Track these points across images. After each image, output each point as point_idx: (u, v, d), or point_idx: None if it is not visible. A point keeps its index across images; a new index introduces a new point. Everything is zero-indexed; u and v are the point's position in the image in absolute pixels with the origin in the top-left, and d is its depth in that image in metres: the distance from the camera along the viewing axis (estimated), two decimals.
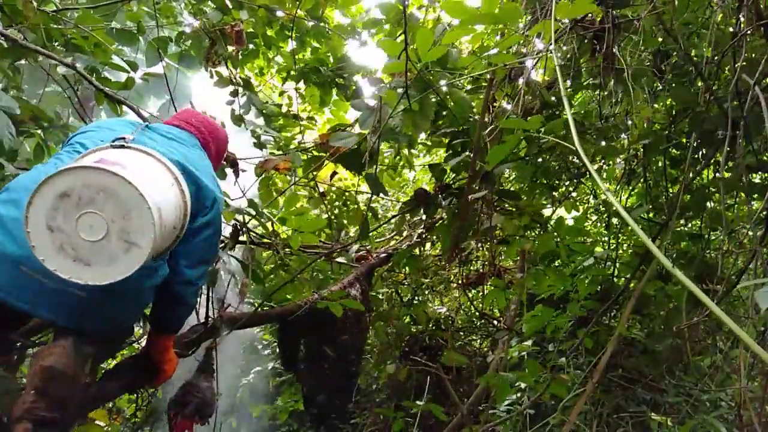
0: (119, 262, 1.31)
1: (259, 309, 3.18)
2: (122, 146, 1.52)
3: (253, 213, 2.61)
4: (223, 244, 2.68)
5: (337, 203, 4.69)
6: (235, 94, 3.78)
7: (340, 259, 3.96)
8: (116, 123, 1.87)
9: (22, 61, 3.22)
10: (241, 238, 2.85)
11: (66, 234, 1.29)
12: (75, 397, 1.54)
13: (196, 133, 2.00)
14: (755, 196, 3.26)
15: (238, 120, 3.58)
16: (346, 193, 4.78)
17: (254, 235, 3.06)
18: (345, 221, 4.63)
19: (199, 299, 2.56)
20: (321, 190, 4.23)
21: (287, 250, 3.11)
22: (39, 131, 3.15)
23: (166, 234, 1.44)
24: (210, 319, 2.55)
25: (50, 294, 1.46)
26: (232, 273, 2.52)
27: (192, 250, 1.76)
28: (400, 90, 2.67)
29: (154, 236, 1.31)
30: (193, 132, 1.99)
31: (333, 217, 4.42)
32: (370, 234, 4.09)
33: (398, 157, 4.66)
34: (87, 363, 1.58)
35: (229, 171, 2.86)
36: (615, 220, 4.14)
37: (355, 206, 4.69)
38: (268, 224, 2.91)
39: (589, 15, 2.66)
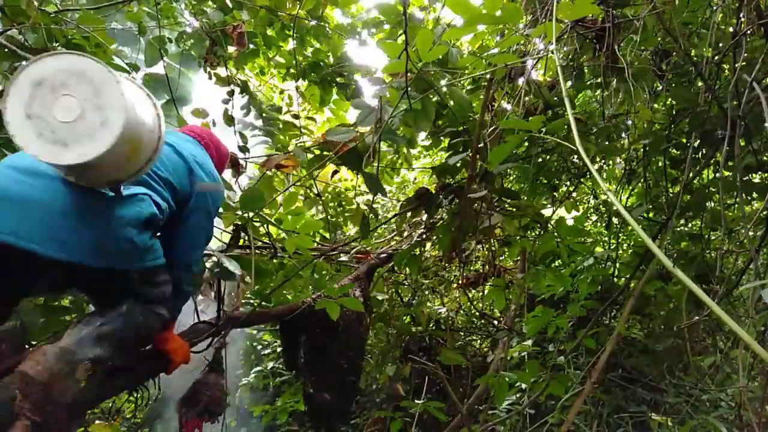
0: (96, 137, 1.39)
1: (257, 308, 3.17)
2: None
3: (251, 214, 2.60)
4: (225, 247, 2.68)
5: (331, 204, 4.69)
6: (231, 94, 3.80)
7: (341, 259, 3.96)
8: None
9: (23, 62, 3.21)
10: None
11: (43, 119, 1.37)
12: (54, 403, 1.52)
13: (199, 139, 2.18)
14: (755, 196, 3.27)
15: (229, 120, 3.62)
16: (342, 194, 4.78)
17: (253, 236, 3.06)
18: (341, 221, 4.64)
19: (198, 297, 2.56)
20: (318, 190, 4.24)
21: (287, 253, 3.11)
22: None
23: (140, 132, 1.51)
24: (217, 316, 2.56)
25: (24, 215, 1.51)
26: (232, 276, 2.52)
27: (186, 232, 1.93)
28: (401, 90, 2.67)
29: (125, 109, 1.39)
30: (196, 138, 2.17)
31: (330, 217, 4.43)
32: (371, 234, 4.09)
33: (397, 156, 4.66)
34: (78, 369, 1.56)
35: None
36: (615, 220, 4.15)
37: (352, 207, 4.70)
38: (266, 226, 2.91)
39: (590, 15, 2.66)
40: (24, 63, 1.38)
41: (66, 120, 1.37)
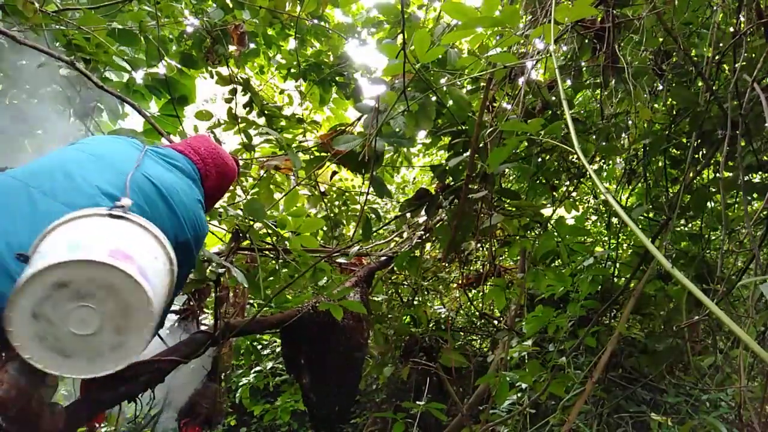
0: (104, 358, 1.23)
1: (259, 314, 3.17)
2: (120, 217, 1.40)
3: (254, 219, 2.60)
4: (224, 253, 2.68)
5: (337, 203, 4.70)
6: (233, 93, 3.79)
7: (340, 260, 3.96)
8: (118, 147, 1.77)
9: (23, 61, 3.22)
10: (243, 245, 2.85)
11: (52, 323, 1.19)
12: (35, 415, 1.50)
13: (199, 163, 1.96)
14: (755, 196, 3.27)
15: (233, 119, 3.61)
16: (346, 193, 4.78)
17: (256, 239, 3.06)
18: (344, 220, 4.64)
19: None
20: (322, 189, 4.24)
21: (290, 257, 3.12)
22: (39, 131, 3.16)
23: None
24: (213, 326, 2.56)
25: None
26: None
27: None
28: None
29: (148, 338, 1.26)
30: (195, 161, 1.95)
31: (332, 215, 4.43)
32: (371, 234, 4.09)
33: (397, 155, 4.66)
34: (47, 376, 1.53)
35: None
36: (615, 220, 4.15)
37: (356, 206, 4.70)
38: (270, 228, 2.91)
39: (590, 15, 2.66)
40: (48, 261, 1.17)
41: (77, 332, 1.20)
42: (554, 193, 3.93)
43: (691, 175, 2.98)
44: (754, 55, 2.66)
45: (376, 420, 4.20)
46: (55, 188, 1.49)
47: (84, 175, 1.56)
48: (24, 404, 1.47)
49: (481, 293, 4.85)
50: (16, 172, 1.55)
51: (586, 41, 3.04)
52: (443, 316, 4.69)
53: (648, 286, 3.21)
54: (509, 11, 1.88)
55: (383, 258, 4.35)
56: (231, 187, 3.60)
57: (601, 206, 4.64)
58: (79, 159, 1.64)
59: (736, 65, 2.47)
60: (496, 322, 4.93)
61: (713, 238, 3.61)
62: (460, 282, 4.34)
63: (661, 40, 2.94)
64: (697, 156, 3.01)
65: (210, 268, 2.51)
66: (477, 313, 5.04)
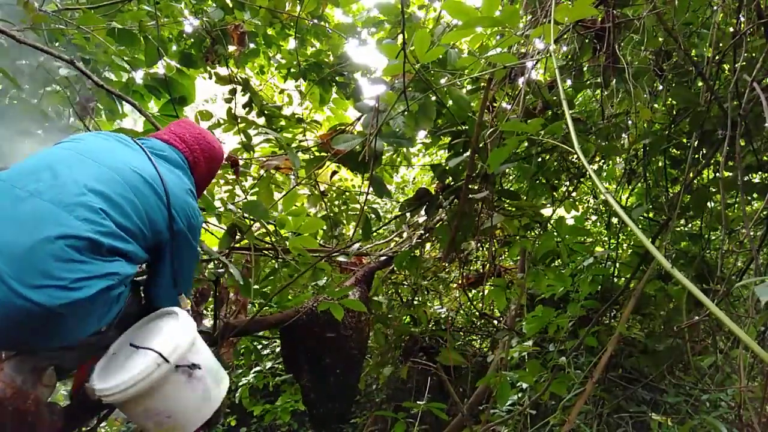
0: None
1: (259, 314, 3.17)
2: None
3: (253, 217, 2.59)
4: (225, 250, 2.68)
5: (336, 202, 4.69)
6: (233, 93, 3.79)
7: (340, 259, 3.96)
8: (106, 144, 1.80)
9: (23, 61, 3.22)
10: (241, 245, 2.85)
11: None
12: (31, 414, 1.50)
13: (186, 152, 1.96)
14: (755, 196, 3.27)
15: (233, 119, 3.61)
16: (346, 193, 4.78)
17: (252, 239, 3.05)
18: (343, 220, 4.64)
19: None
20: (322, 189, 4.23)
21: (290, 256, 3.12)
22: (39, 131, 3.16)
23: None
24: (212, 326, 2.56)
25: None
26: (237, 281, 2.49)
27: (175, 269, 1.83)
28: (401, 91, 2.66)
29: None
30: (182, 150, 1.96)
31: (332, 215, 4.43)
32: (371, 234, 4.08)
33: (396, 155, 4.66)
34: (43, 376, 1.55)
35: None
36: (615, 220, 4.15)
37: (356, 206, 4.70)
38: (269, 227, 2.91)
39: (590, 15, 2.66)
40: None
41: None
42: (554, 193, 3.93)
43: (691, 175, 2.98)
44: (754, 55, 2.66)
45: (376, 420, 4.19)
46: (41, 188, 1.52)
47: (71, 172, 1.59)
48: (20, 403, 1.47)
49: (481, 293, 4.85)
50: (1, 175, 1.58)
51: (587, 41, 3.04)
52: (443, 316, 4.68)
53: (648, 286, 3.21)
54: (509, 11, 1.88)
55: (383, 258, 4.34)
56: (231, 187, 3.60)
57: (601, 206, 4.64)
58: (65, 157, 1.67)
59: (736, 65, 2.47)
60: (496, 322, 4.93)
61: (713, 238, 3.61)
62: (460, 282, 4.34)
63: (661, 40, 2.94)
64: (697, 156, 3.00)
65: (209, 268, 2.51)
66: (477, 313, 5.04)
